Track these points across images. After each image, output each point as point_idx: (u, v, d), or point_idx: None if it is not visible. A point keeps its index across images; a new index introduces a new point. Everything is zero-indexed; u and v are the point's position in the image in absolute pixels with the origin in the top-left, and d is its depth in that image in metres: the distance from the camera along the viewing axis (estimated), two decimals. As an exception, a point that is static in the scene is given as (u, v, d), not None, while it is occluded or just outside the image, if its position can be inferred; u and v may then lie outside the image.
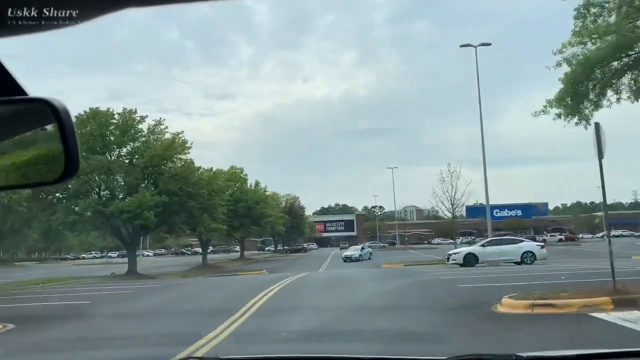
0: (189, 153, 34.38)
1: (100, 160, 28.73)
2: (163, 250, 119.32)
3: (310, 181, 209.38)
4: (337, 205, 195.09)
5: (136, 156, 31.53)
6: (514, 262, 27.10)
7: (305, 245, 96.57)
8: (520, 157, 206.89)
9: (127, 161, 32.06)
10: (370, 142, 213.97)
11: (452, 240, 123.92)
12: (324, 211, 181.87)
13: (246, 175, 48.96)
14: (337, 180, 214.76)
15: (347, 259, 47.77)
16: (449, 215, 44.52)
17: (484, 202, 52.51)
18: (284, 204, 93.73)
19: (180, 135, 33.74)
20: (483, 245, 26.71)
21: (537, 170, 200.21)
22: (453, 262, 27.52)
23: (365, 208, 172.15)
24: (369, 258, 48.62)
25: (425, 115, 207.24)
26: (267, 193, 51.92)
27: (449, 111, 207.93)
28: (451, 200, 42.31)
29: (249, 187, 49.63)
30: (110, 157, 30.90)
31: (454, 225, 46.31)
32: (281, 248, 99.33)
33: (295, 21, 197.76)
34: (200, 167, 34.51)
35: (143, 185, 30.48)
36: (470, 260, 26.58)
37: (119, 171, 30.85)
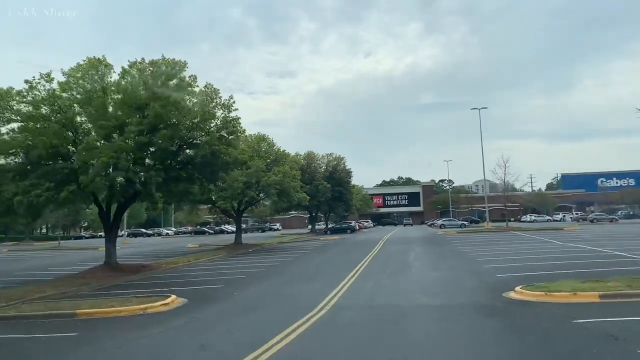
0: None
1: None
2: (188, 228, 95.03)
3: (372, 156, 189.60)
4: (400, 178, 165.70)
5: None
6: None
7: (353, 223, 68.59)
8: (595, 130, 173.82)
9: None
10: (436, 117, 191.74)
11: (549, 217, 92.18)
12: (385, 185, 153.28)
13: (194, 79, 21.31)
14: (400, 156, 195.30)
15: None
16: None
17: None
18: (324, 167, 66.39)
19: None
20: None
21: (612, 144, 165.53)
22: None
23: (433, 182, 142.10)
24: None
25: (493, 87, 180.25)
26: (239, 120, 22.70)
27: (518, 83, 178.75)
28: None
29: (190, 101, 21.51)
30: None
31: None
32: (323, 226, 72.17)
33: None
34: None
35: None
36: None
37: None
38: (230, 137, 22.29)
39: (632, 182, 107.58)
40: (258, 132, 38.32)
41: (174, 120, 20.24)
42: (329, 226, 68.53)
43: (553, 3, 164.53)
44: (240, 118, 22.66)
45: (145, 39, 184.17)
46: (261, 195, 37.63)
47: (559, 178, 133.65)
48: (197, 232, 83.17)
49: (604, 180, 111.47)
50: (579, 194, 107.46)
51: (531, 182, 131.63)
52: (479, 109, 54.14)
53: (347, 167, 66.63)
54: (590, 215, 76.20)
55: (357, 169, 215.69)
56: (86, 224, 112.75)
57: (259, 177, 34.31)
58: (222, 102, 22.11)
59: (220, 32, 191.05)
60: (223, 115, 22.10)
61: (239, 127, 22.72)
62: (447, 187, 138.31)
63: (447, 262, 21.57)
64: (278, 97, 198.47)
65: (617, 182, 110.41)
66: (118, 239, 26.68)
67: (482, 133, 71.87)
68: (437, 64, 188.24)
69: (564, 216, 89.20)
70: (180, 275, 21.39)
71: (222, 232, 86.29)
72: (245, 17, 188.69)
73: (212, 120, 21.21)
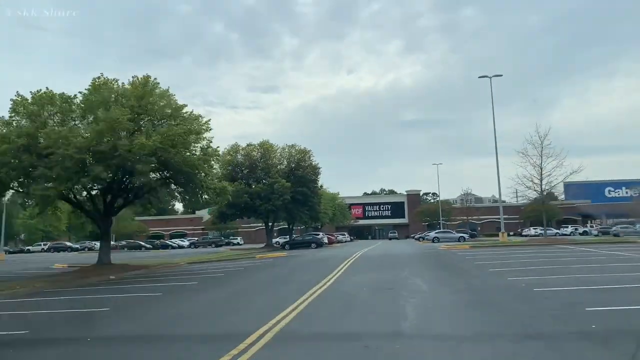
0: None
1: None
2: (129, 242, 75.86)
3: (354, 174, 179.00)
4: (382, 190, 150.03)
5: None
6: None
7: (320, 235, 51.62)
8: (573, 148, 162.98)
9: None
10: (417, 134, 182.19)
11: (557, 231, 75.33)
12: (366, 195, 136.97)
13: None
14: (382, 173, 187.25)
15: None
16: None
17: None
18: (285, 163, 49.89)
19: None
20: None
21: (594, 162, 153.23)
22: None
23: (418, 192, 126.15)
24: None
25: (474, 105, 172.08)
26: None
27: (499, 100, 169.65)
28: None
29: None
30: None
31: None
32: (286, 239, 54.77)
33: (340, 11, 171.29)
34: None
35: None
36: None
37: None
38: None
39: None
40: (146, 74, 21.60)
41: None
42: (291, 239, 51.52)
43: (532, 23, 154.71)
44: None
45: (127, 51, 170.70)
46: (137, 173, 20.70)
47: (545, 192, 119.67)
48: (131, 247, 65.57)
49: (612, 189, 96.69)
50: (585, 204, 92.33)
51: (517, 197, 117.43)
52: (490, 77, 38.25)
53: (313, 163, 50.11)
54: (614, 228, 60.55)
55: (339, 183, 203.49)
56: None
57: (116, 139, 17.60)
58: None
59: (202, 46, 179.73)
60: None
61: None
62: (432, 200, 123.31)
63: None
64: (260, 111, 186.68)
65: (626, 192, 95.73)
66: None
67: (494, 116, 55.29)
68: (418, 81, 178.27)
69: (575, 229, 73.65)
70: None
71: (165, 247, 68.93)
72: (227, 32, 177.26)
73: None
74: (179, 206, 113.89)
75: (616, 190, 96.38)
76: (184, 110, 21.94)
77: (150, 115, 20.66)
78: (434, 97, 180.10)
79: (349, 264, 19.71)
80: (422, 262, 20.13)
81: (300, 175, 47.99)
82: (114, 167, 18.25)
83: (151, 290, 13.62)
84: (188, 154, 20.65)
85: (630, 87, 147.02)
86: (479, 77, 38.61)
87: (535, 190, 33.53)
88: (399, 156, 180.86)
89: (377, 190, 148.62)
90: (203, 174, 21.77)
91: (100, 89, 20.53)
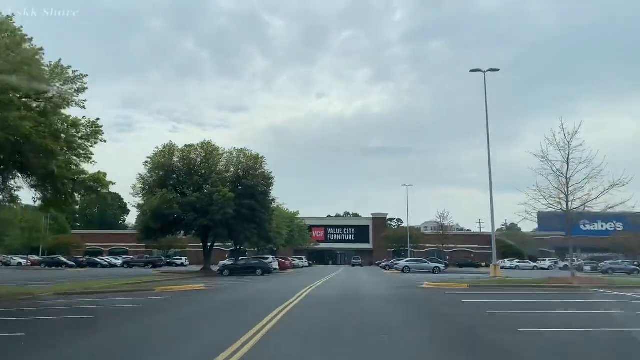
0: None
1: None
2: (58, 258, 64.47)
3: (320, 197, 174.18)
4: (347, 214, 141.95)
5: None
6: None
7: (270, 259, 42.59)
8: (530, 182, 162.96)
9: None
10: (383, 161, 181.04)
11: (535, 264, 66.91)
12: (329, 218, 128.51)
13: None
14: (348, 197, 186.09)
15: None
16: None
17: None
18: (232, 169, 41.04)
19: None
20: None
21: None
22: None
23: (385, 215, 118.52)
24: None
25: (439, 135, 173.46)
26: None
27: (463, 132, 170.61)
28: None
29: None
30: None
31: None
32: (229, 262, 45.22)
33: (311, 37, 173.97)
34: None
35: None
36: None
37: None
38: None
39: (620, 226, 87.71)
40: None
41: None
42: (234, 263, 42.26)
43: (494, 61, 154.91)
44: None
45: (94, 63, 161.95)
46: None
47: (508, 224, 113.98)
48: (49, 264, 55.14)
49: (588, 223, 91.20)
50: (559, 237, 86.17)
51: (480, 226, 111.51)
52: (484, 72, 30.83)
53: (266, 172, 41.42)
54: (603, 264, 53.88)
55: (304, 206, 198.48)
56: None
57: None
58: None
59: (172, 62, 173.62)
60: None
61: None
62: (396, 226, 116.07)
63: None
64: (228, 130, 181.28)
65: (602, 226, 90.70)
66: None
67: (487, 121, 47.84)
68: (385, 109, 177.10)
69: (555, 263, 67.11)
70: None
71: (94, 264, 58.61)
72: (198, 49, 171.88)
73: None
74: (130, 219, 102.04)
75: (592, 224, 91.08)
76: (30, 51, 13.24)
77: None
78: (400, 125, 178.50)
79: (281, 315, 11.08)
80: (413, 319, 11.63)
81: (248, 184, 39.22)
82: None
83: None
84: (18, 116, 11.84)
85: (591, 125, 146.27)
86: (471, 70, 31.18)
87: (562, 210, 25.45)
88: (364, 182, 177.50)
89: (341, 213, 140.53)
90: (53, 151, 12.96)
91: None
